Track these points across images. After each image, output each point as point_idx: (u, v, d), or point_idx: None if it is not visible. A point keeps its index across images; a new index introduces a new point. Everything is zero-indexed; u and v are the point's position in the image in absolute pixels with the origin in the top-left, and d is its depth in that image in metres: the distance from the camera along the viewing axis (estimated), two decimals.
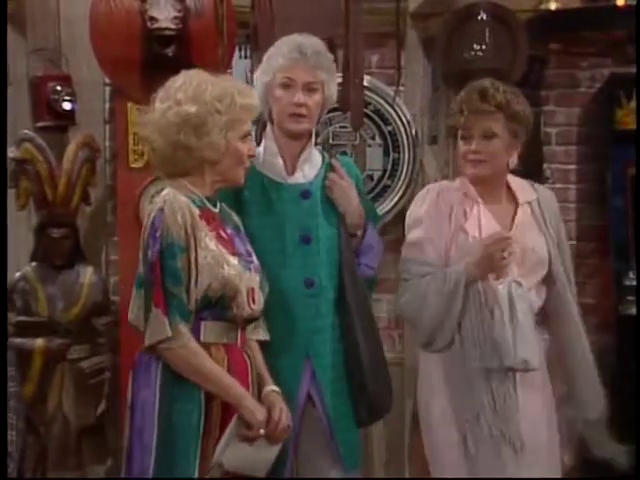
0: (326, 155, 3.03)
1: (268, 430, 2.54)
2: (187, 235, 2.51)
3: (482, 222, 2.94)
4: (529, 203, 2.99)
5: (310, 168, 2.94)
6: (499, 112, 2.91)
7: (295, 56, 2.86)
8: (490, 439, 2.86)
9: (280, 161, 2.92)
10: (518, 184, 3.02)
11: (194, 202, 2.57)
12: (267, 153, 2.94)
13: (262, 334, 2.72)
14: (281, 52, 2.89)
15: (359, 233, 2.94)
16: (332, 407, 2.87)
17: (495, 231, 2.90)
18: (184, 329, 2.49)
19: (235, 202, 2.86)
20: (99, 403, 4.01)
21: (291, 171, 2.92)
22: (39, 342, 3.88)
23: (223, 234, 2.62)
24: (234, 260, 2.57)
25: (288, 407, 2.72)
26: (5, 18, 3.93)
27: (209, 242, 2.54)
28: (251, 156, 2.66)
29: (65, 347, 3.92)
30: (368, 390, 2.88)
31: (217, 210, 2.65)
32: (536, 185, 3.08)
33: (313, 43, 2.89)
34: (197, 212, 2.56)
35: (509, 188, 3.01)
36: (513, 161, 2.96)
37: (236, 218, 2.75)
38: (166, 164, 2.62)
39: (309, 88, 2.86)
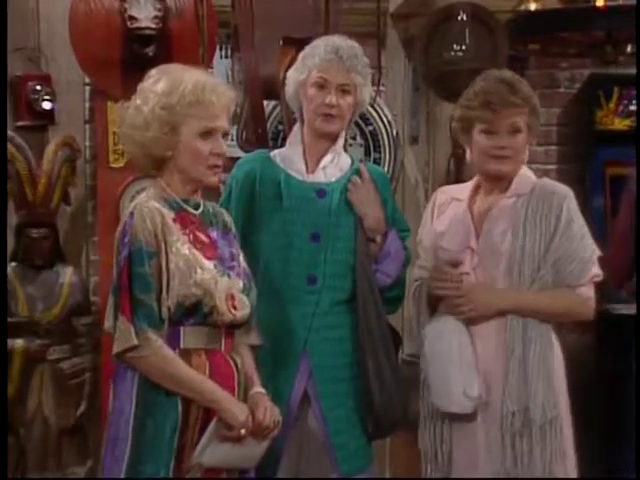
0: (356, 160, 3.03)
1: (252, 429, 2.50)
2: (157, 240, 2.44)
3: (455, 218, 2.90)
4: (517, 196, 2.85)
5: (333, 169, 2.92)
6: (525, 106, 2.80)
7: (331, 57, 2.85)
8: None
9: (302, 159, 2.91)
10: (521, 177, 2.88)
11: (170, 204, 2.52)
12: (291, 150, 2.95)
13: (253, 338, 2.65)
14: (318, 52, 2.87)
15: (378, 239, 2.91)
16: (329, 408, 2.84)
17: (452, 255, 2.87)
18: (153, 337, 2.42)
19: (250, 195, 2.89)
20: (79, 404, 4.00)
21: (312, 170, 2.92)
22: (18, 343, 3.87)
23: (203, 237, 2.55)
24: (209, 264, 2.50)
25: (282, 401, 2.71)
26: (5, 18, 3.90)
27: (181, 247, 2.47)
28: (217, 154, 2.54)
29: (45, 348, 3.91)
30: (374, 403, 2.83)
31: (198, 212, 2.58)
32: (542, 182, 2.90)
33: (350, 46, 2.88)
34: (171, 215, 2.49)
35: (510, 181, 2.88)
36: (526, 155, 2.89)
37: (227, 218, 2.68)
38: (132, 160, 2.60)
39: (342, 90, 2.85)
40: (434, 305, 2.91)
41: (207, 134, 2.51)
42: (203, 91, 2.49)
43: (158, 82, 2.51)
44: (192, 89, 2.48)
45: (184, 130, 2.50)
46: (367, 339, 2.85)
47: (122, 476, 2.45)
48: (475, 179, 2.98)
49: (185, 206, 2.55)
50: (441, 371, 2.80)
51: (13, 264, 3.99)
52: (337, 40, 2.90)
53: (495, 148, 2.81)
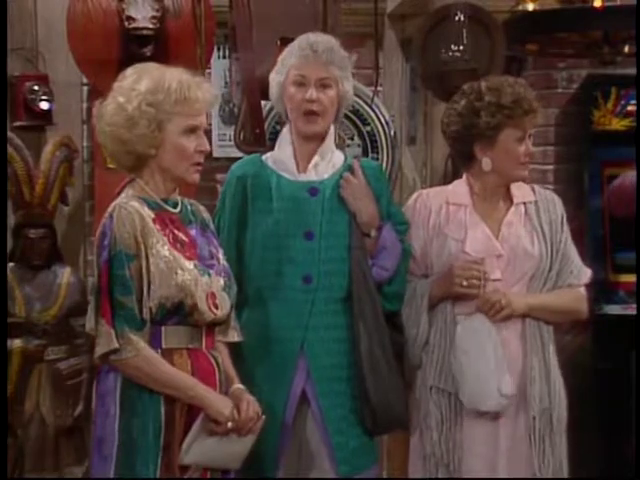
0: (350, 157, 3.02)
1: (237, 423, 2.52)
2: (137, 242, 2.45)
3: (467, 224, 2.93)
4: (524, 204, 2.95)
5: (325, 167, 2.92)
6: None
7: (307, 53, 2.85)
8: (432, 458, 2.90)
9: (292, 159, 2.91)
10: (515, 185, 2.98)
11: (149, 204, 2.53)
12: (281, 151, 2.95)
13: (232, 336, 2.68)
14: (293, 50, 2.89)
15: (373, 233, 2.90)
16: (327, 408, 2.83)
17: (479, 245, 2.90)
18: (135, 338, 2.44)
19: (243, 199, 2.89)
20: (77, 404, 3.99)
21: (303, 169, 2.91)
22: (16, 343, 3.86)
23: (183, 236, 2.56)
24: (189, 265, 2.51)
25: (279, 403, 2.75)
26: (5, 18, 3.89)
27: (161, 248, 2.48)
28: (201, 152, 2.56)
29: (42, 348, 3.90)
30: (370, 399, 2.82)
31: (177, 210, 2.59)
32: (538, 189, 3.03)
33: (325, 40, 2.89)
34: (151, 216, 2.50)
35: (507, 188, 2.97)
36: None
37: (205, 214, 2.70)
38: (112, 159, 2.60)
39: (322, 84, 2.85)
40: (434, 305, 2.92)
41: (191, 131, 2.54)
42: (189, 88, 2.52)
43: (140, 80, 2.52)
44: (177, 86, 2.50)
45: (169, 128, 2.51)
46: (363, 333, 2.84)
47: (111, 475, 2.46)
48: (463, 182, 2.99)
49: (164, 205, 2.56)
50: (475, 370, 2.83)
51: (11, 264, 3.98)
52: (312, 36, 2.91)
53: (525, 155, 2.89)
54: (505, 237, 2.91)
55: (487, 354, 2.82)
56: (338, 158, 2.97)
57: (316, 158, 2.90)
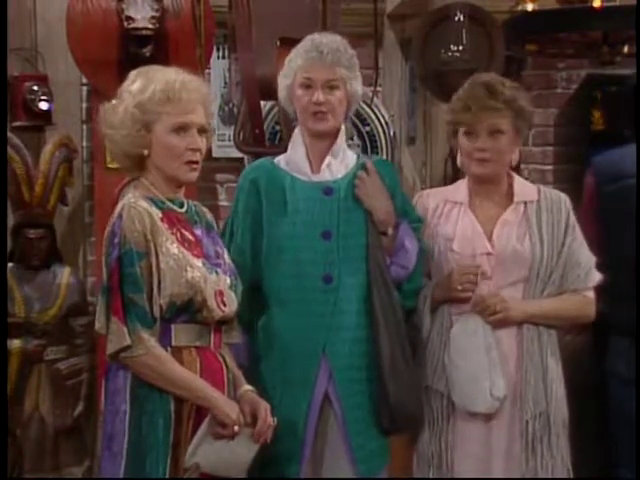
0: (362, 156, 3.02)
1: (257, 429, 2.55)
2: (147, 241, 2.47)
3: (459, 222, 2.92)
4: (525, 203, 2.91)
5: (339, 166, 2.91)
6: (507, 109, 2.84)
7: (313, 55, 2.84)
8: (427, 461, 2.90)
9: (306, 161, 2.91)
10: (520, 183, 2.96)
11: (156, 204, 2.54)
12: (293, 152, 2.94)
13: (235, 336, 2.69)
14: (299, 53, 2.87)
15: (390, 232, 2.89)
16: (350, 409, 2.82)
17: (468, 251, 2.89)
18: (146, 336, 2.45)
19: (257, 203, 2.88)
20: (76, 404, 4.00)
21: (317, 170, 2.91)
22: (15, 343, 3.87)
23: (189, 235, 2.58)
24: (198, 263, 2.53)
25: (303, 404, 2.76)
26: (5, 18, 3.89)
27: (170, 246, 2.50)
28: (192, 150, 2.56)
29: (41, 348, 3.91)
30: (389, 399, 2.82)
31: (183, 210, 2.61)
32: (545, 189, 2.99)
33: (331, 41, 2.88)
34: (159, 214, 2.52)
35: (510, 186, 2.95)
36: (515, 158, 2.92)
37: (209, 216, 2.72)
38: (116, 161, 2.63)
39: (330, 86, 2.84)
40: (435, 308, 2.92)
41: (180, 129, 2.54)
42: (173, 88, 2.53)
43: (134, 83, 2.56)
44: (163, 87, 2.52)
45: (157, 127, 2.53)
46: (383, 332, 2.83)
47: (122, 471, 2.47)
48: (464, 181, 3.00)
49: (171, 205, 2.58)
50: (468, 370, 2.82)
51: (10, 264, 3.98)
52: (317, 37, 2.90)
53: (476, 150, 2.86)
54: (497, 236, 2.88)
55: (480, 355, 2.81)
56: (350, 157, 2.96)
57: (329, 157, 2.90)
